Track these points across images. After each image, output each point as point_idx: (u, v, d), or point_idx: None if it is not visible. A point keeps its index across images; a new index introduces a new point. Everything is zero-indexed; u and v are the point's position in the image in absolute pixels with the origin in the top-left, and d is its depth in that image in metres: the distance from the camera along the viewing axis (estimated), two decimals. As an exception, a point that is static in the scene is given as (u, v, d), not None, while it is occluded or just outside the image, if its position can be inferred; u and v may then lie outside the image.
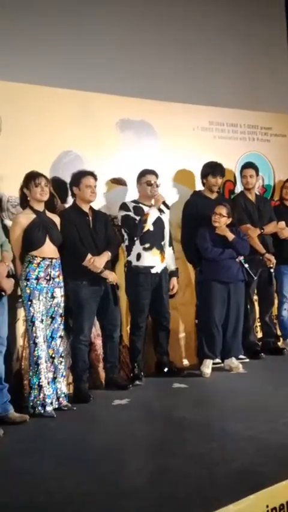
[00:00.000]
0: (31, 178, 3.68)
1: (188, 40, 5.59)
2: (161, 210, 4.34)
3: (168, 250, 4.42)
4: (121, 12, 5.21)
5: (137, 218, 4.21)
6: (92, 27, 5.02)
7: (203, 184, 4.71)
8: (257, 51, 6.19)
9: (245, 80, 5.98)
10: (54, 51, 4.76)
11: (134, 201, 4.36)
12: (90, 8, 5.03)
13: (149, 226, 4.23)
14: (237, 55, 5.99)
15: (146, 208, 4.28)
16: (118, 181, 4.56)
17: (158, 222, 4.31)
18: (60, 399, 3.69)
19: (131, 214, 4.25)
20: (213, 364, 4.43)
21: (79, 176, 3.99)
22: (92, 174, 4.01)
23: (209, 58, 5.71)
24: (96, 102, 4.46)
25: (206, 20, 5.74)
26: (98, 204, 4.26)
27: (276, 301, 5.04)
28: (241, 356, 4.61)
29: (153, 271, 4.26)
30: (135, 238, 4.21)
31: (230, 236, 4.38)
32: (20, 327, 3.91)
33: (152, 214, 4.25)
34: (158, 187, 4.31)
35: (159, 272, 4.30)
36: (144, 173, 4.34)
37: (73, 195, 4.05)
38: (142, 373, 4.26)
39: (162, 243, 4.33)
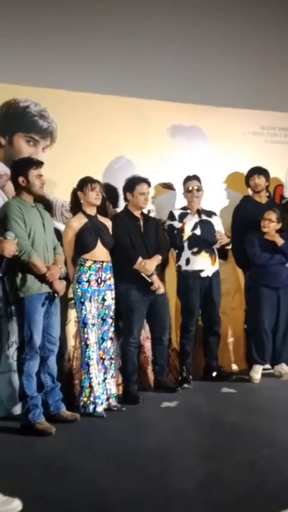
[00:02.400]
0: (87, 182, 3.77)
1: (236, 45, 5.55)
2: (210, 214, 4.34)
3: None
4: (170, 19, 5.24)
5: (178, 227, 4.24)
6: (142, 35, 5.08)
7: (248, 185, 4.66)
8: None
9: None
10: (107, 59, 4.84)
11: (183, 208, 4.39)
12: (141, 16, 5.09)
13: (188, 234, 4.24)
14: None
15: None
16: (167, 186, 4.60)
17: (206, 226, 4.31)
18: (110, 400, 3.77)
19: (175, 223, 4.29)
20: (263, 369, 4.40)
21: (134, 182, 4.04)
22: (146, 181, 4.06)
23: (259, 62, 5.65)
24: (148, 109, 4.52)
25: (260, 26, 5.69)
26: (146, 208, 4.30)
27: None
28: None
29: (202, 274, 4.28)
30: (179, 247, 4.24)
31: (280, 241, 4.34)
32: (72, 328, 4.02)
33: (190, 222, 4.26)
34: (199, 192, 4.32)
35: (209, 276, 4.31)
36: (185, 180, 4.36)
37: (126, 199, 4.12)
38: (191, 377, 4.29)
39: (214, 246, 4.34)
